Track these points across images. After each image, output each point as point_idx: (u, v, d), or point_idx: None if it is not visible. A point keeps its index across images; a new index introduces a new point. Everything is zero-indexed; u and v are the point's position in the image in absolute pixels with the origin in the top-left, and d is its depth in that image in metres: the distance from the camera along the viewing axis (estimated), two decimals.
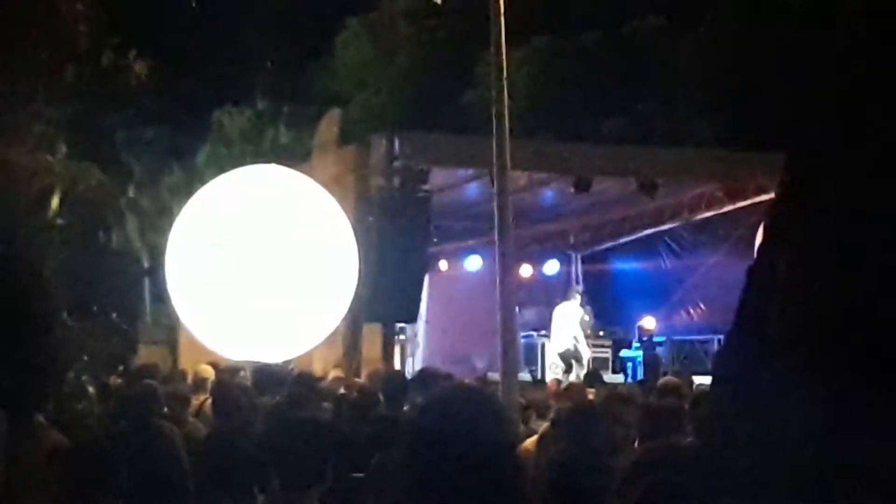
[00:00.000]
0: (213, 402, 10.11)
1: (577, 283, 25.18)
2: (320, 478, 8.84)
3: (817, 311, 1.94)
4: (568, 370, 21.00)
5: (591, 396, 11.25)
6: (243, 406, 9.55)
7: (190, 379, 12.95)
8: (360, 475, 8.06)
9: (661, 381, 11.57)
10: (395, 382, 10.25)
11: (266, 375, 11.86)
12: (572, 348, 21.42)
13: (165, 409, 9.55)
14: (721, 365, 2.18)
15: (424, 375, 11.22)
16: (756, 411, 2.00)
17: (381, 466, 7.60)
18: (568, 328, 21.65)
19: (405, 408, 9.40)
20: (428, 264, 18.89)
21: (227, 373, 12.69)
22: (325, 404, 10.59)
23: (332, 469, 8.83)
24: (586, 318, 21.99)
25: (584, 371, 19.51)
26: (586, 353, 21.60)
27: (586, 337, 21.81)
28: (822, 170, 2.08)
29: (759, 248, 2.10)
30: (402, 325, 20.01)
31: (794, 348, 1.94)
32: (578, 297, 22.16)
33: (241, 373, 12.89)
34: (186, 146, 28.98)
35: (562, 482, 6.44)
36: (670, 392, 9.81)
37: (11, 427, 7.26)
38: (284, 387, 11.03)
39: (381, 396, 9.69)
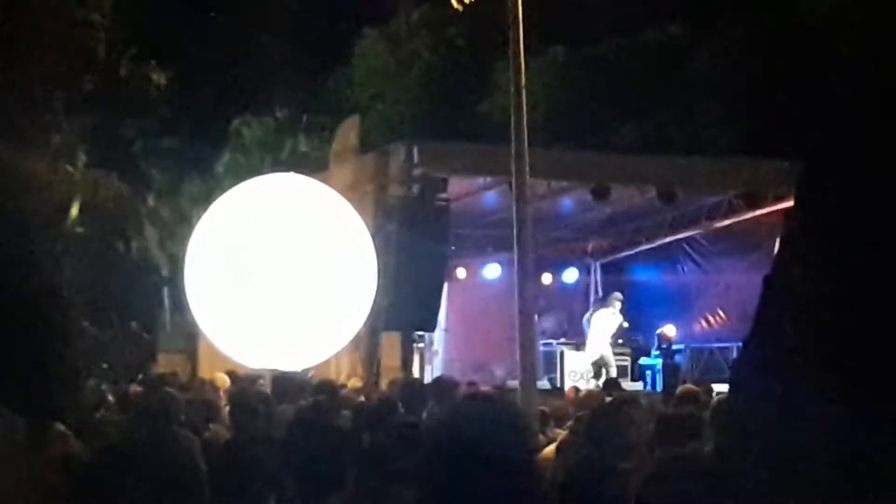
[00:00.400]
0: (231, 410, 10.13)
1: (597, 291, 25.22)
2: (339, 486, 8.84)
3: (832, 319, 1.95)
4: (597, 377, 20.93)
5: None
6: (261, 414, 9.56)
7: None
8: (379, 483, 8.05)
9: (680, 388, 11.55)
10: (413, 390, 10.25)
11: (285, 383, 11.88)
12: (605, 355, 21.44)
13: (184, 417, 9.56)
14: (738, 373, 2.18)
15: (441, 384, 11.23)
16: (772, 418, 2.01)
17: (400, 474, 7.59)
18: (604, 335, 21.67)
19: (424, 416, 9.40)
20: (447, 272, 18.89)
21: (246, 381, 12.71)
22: (345, 412, 10.59)
23: (351, 477, 8.83)
24: (625, 324, 22.07)
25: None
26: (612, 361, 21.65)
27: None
28: (836, 181, 2.08)
29: (774, 258, 2.10)
30: (420, 333, 20.00)
31: (809, 356, 1.95)
32: (619, 304, 22.14)
33: (261, 381, 12.90)
34: (205, 155, 29.03)
35: (578, 488, 6.43)
36: (689, 400, 9.78)
37: (30, 434, 7.29)
38: (304, 395, 11.05)
39: (399, 404, 9.70)
